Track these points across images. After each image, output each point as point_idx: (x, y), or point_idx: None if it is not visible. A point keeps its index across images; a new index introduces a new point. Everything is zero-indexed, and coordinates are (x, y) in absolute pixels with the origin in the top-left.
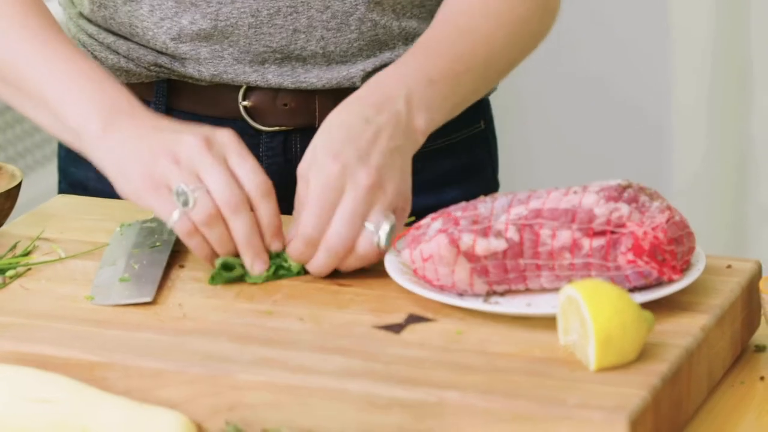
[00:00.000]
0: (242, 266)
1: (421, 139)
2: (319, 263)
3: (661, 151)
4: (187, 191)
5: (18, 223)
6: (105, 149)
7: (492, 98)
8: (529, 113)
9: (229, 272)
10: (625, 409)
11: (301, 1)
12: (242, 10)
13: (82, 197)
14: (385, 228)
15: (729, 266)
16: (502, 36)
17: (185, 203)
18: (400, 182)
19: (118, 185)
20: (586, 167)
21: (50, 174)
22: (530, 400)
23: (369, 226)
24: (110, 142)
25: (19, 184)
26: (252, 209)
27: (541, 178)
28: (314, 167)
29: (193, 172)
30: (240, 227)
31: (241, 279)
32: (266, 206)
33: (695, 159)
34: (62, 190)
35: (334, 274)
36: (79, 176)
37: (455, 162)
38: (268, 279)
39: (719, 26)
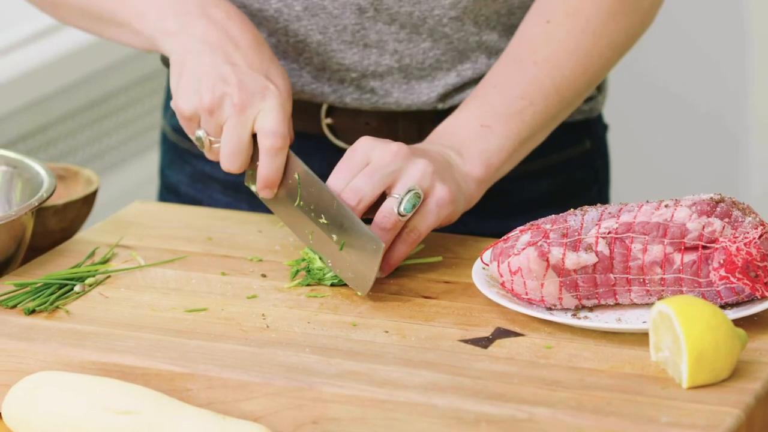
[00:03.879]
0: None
1: (474, 187)
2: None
3: (738, 162)
4: (203, 140)
5: (96, 230)
6: (172, 46)
7: None
8: (627, 135)
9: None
10: (719, 428)
11: (367, 17)
12: (309, 27)
13: (159, 203)
14: (408, 196)
15: None
16: (571, 60)
17: (201, 146)
18: (434, 171)
19: (171, 82)
20: (662, 178)
21: (124, 177)
22: (621, 417)
23: (394, 194)
24: (176, 43)
25: (96, 190)
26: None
27: (616, 190)
28: None
29: (219, 125)
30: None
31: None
32: (267, 162)
33: None
34: (161, 193)
35: (420, 288)
36: (173, 180)
37: (551, 184)
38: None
39: None
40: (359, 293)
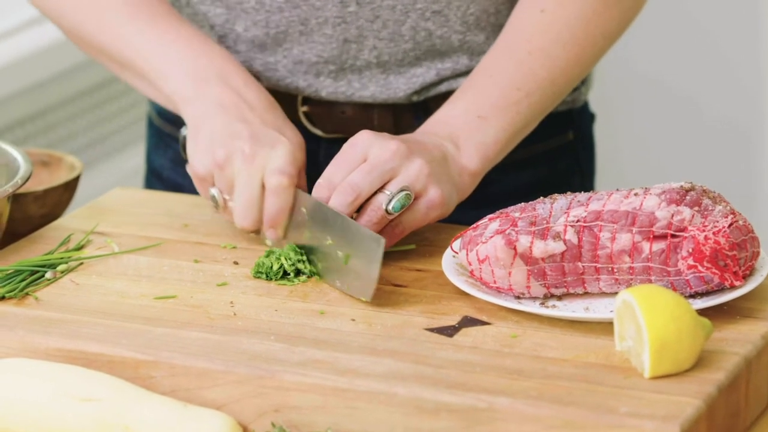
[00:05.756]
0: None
1: (468, 181)
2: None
3: (750, 164)
4: (217, 198)
5: (73, 216)
6: (189, 112)
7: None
8: (617, 124)
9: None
10: (678, 418)
11: (349, 12)
12: (291, 19)
13: (139, 190)
14: (399, 196)
15: None
16: (565, 50)
17: (216, 205)
18: (430, 172)
19: (188, 147)
20: (652, 170)
21: (121, 164)
22: (581, 407)
23: (386, 191)
24: (193, 109)
25: (78, 176)
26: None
27: (606, 181)
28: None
29: (231, 180)
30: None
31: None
32: (270, 200)
33: None
34: (147, 178)
35: (391, 276)
36: (157, 164)
37: (534, 174)
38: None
39: None
40: (363, 299)
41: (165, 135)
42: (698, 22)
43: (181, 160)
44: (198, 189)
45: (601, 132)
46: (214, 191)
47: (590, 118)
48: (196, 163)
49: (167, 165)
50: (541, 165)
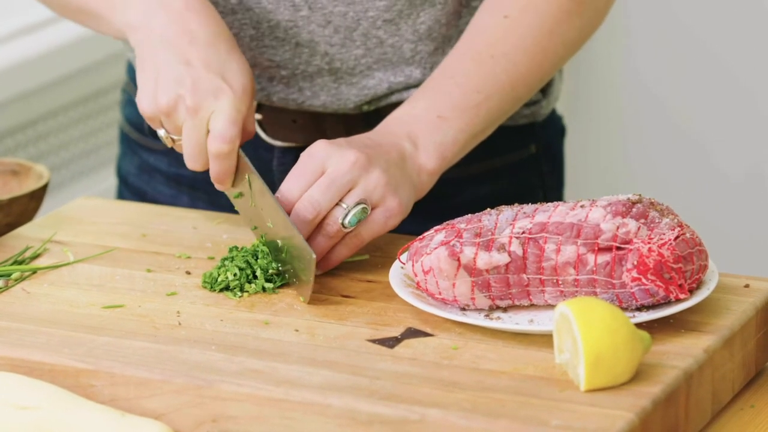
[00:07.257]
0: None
1: (426, 180)
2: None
3: (731, 176)
4: (165, 140)
5: (34, 225)
6: (134, 41)
7: (580, 142)
8: (592, 138)
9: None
10: (609, 431)
11: (301, 16)
12: (243, 21)
13: (102, 199)
14: (355, 210)
15: (747, 285)
16: (527, 56)
17: (165, 143)
18: (388, 182)
19: (137, 78)
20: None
21: (102, 179)
22: (512, 420)
23: (342, 204)
24: (138, 38)
25: (45, 185)
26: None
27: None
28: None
29: (178, 126)
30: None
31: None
32: (213, 165)
33: None
34: (118, 185)
35: (341, 286)
36: (125, 171)
37: (494, 187)
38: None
39: None
40: (301, 299)
41: (132, 142)
42: (682, 32)
43: (145, 168)
44: (149, 123)
45: (576, 146)
46: (161, 132)
47: (559, 131)
48: (144, 104)
49: (133, 172)
50: (501, 179)
